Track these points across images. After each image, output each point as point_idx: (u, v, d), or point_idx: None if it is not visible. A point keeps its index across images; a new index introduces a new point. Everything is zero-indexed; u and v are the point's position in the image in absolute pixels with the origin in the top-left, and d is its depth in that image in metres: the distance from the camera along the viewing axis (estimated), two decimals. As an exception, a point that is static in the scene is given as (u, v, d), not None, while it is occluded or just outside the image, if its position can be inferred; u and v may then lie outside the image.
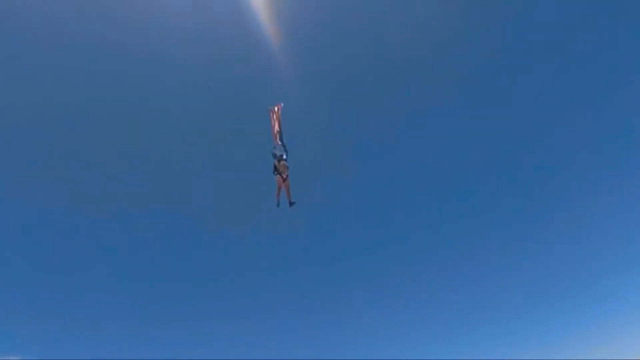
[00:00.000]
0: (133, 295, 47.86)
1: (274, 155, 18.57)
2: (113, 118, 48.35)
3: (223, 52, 46.11)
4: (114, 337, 43.84)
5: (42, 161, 47.18)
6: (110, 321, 44.74)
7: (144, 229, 49.71)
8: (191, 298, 48.49)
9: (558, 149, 56.15)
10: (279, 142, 18.69)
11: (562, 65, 52.89)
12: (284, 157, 18.65)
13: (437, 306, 51.49)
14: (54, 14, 41.08)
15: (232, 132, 49.61)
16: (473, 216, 56.25)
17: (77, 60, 44.67)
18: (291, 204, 18.62)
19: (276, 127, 18.77)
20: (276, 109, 18.92)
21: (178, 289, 49.06)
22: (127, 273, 48.71)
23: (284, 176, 18.50)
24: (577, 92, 53.95)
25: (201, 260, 51.11)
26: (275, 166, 18.47)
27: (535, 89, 54.08)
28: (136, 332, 45.77)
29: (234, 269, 50.88)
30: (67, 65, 44.56)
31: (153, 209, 50.84)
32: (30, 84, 44.18)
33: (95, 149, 49.14)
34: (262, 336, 46.29)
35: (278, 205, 18.63)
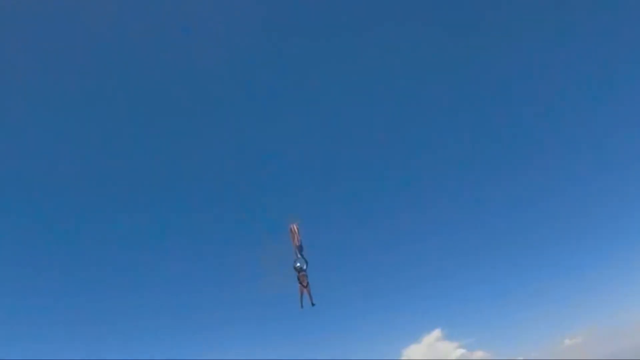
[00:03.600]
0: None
1: (295, 269, 21.68)
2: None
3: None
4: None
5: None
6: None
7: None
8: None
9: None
10: (300, 256, 21.76)
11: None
12: (304, 268, 21.79)
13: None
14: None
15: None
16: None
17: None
18: (313, 304, 21.95)
19: (296, 242, 21.76)
20: (295, 226, 21.82)
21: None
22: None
23: (304, 284, 21.73)
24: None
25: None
26: (297, 277, 21.67)
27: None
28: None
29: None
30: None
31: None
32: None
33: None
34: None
35: (302, 307, 22.00)
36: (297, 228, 21.92)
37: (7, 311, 48.32)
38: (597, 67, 58.99)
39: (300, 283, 21.75)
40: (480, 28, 58.72)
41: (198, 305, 55.72)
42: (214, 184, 59.10)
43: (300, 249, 21.85)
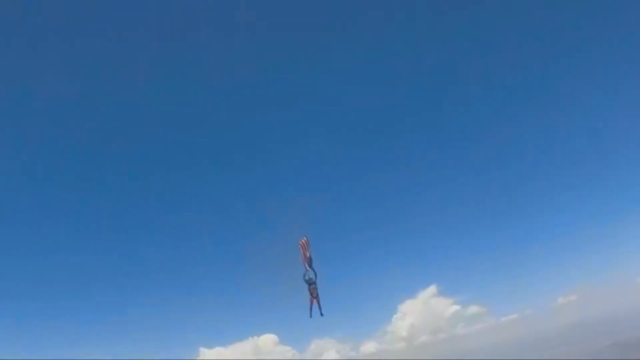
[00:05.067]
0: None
1: (306, 281, 22.65)
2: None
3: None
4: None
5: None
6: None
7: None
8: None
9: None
10: (309, 269, 22.62)
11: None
12: (314, 279, 22.70)
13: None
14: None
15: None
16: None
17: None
18: (322, 314, 23.14)
19: (306, 255, 22.51)
20: (304, 240, 22.50)
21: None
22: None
23: (314, 295, 22.72)
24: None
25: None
26: (308, 289, 22.67)
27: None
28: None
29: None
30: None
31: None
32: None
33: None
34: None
35: (311, 316, 23.11)
36: (307, 242, 22.58)
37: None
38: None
39: (311, 294, 22.75)
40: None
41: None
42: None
43: (310, 262, 22.64)
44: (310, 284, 22.86)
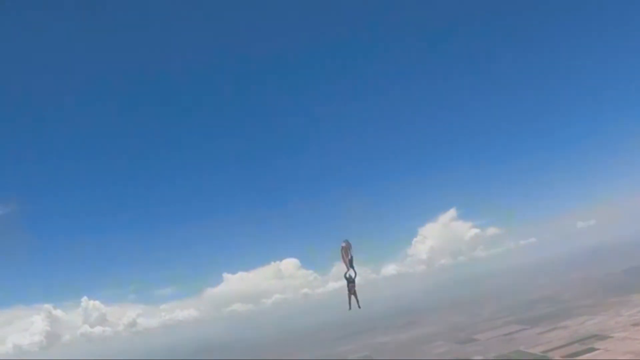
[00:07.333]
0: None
1: (346, 278, 25.27)
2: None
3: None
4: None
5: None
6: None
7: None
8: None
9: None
10: (351, 268, 25.16)
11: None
12: (354, 277, 25.33)
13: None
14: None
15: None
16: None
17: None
18: (359, 307, 25.96)
19: (348, 258, 24.97)
20: (347, 245, 24.84)
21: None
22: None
23: (352, 292, 25.53)
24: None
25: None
26: (347, 286, 25.35)
27: None
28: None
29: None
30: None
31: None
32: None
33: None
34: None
35: (350, 309, 26.01)
36: (349, 246, 24.97)
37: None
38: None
39: (349, 291, 25.57)
40: None
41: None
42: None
43: (351, 263, 25.16)
44: (350, 281, 25.60)
